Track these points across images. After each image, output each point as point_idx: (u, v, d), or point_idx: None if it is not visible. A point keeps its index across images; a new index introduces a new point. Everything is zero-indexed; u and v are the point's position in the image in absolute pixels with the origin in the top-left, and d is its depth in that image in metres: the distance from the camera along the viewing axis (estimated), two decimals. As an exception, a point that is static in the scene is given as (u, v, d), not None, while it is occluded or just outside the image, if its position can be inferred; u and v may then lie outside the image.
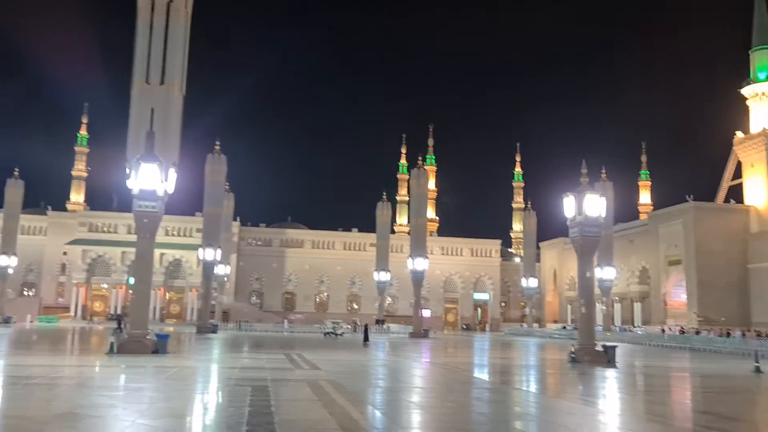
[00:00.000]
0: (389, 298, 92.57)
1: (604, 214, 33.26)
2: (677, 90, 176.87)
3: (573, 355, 31.20)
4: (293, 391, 17.72)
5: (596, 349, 31.61)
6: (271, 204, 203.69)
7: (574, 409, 16.55)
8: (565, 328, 77.57)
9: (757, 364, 28.12)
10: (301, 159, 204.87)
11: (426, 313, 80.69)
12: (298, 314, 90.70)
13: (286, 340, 48.00)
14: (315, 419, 13.04)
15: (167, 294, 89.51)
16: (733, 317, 66.56)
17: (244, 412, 12.95)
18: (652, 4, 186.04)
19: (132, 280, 76.20)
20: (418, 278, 64.40)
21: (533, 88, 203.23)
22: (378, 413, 14.45)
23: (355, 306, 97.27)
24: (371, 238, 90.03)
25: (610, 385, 23.52)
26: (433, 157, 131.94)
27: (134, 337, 29.65)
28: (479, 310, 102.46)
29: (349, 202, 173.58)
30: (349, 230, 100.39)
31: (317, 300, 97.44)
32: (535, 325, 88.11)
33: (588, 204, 32.43)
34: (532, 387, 22.64)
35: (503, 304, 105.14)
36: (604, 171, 61.29)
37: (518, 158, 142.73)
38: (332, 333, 56.32)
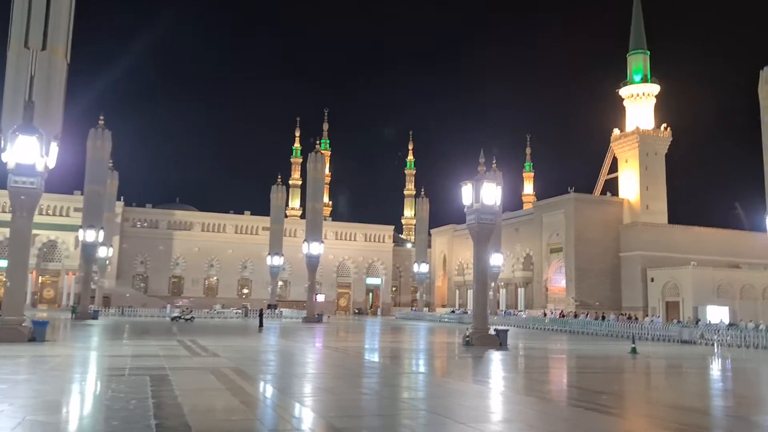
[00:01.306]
0: (281, 283, 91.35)
1: (499, 203, 34.52)
2: (563, 87, 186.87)
3: (467, 339, 32.25)
4: (197, 379, 16.93)
5: (489, 332, 32.88)
6: (158, 184, 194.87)
7: (472, 389, 17.18)
8: (454, 312, 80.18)
9: (633, 345, 30.41)
10: (192, 138, 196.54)
11: (320, 297, 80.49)
12: (185, 299, 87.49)
13: (172, 325, 46.04)
14: (228, 408, 12.50)
15: (40, 278, 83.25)
16: (607, 301, 71.71)
17: (148, 404, 12.16)
18: (541, 3, 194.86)
19: (2, 263, 70.12)
20: (313, 263, 63.99)
21: (427, 78, 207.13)
22: (290, 400, 14.10)
23: (246, 290, 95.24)
24: (264, 221, 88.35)
25: (503, 366, 24.57)
26: (328, 142, 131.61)
27: (8, 324, 27.23)
28: (371, 294, 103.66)
29: (241, 184, 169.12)
30: (241, 213, 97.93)
31: (206, 284, 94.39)
32: (425, 309, 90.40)
33: (485, 192, 33.48)
34: (432, 370, 23.12)
35: (394, 289, 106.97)
36: (495, 162, 63.46)
37: (411, 146, 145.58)
38: (179, 317, 53.75)
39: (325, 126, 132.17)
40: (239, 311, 67.90)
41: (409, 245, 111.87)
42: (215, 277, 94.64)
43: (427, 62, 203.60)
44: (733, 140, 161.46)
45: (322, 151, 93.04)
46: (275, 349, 29.76)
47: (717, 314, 60.06)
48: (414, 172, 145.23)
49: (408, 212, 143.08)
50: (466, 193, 33.79)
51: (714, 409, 15.58)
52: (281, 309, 72.96)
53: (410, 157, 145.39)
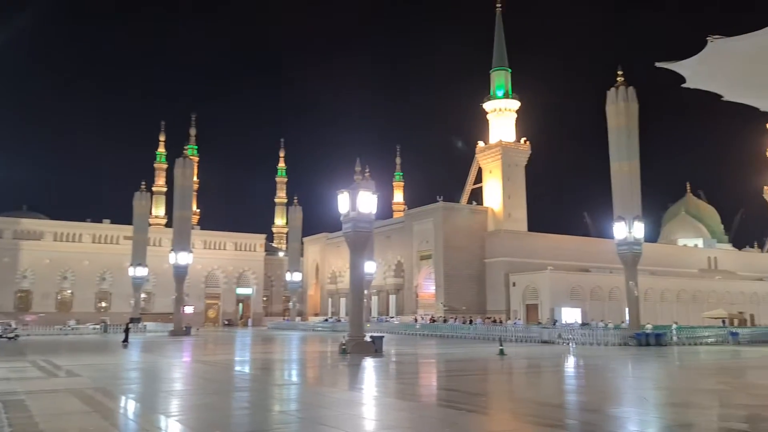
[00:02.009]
0: (145, 295, 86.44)
1: (375, 211, 34.99)
2: (433, 99, 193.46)
3: (344, 347, 32.32)
4: (59, 403, 15.47)
5: (365, 340, 33.17)
6: (2, 190, 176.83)
7: (349, 396, 17.37)
8: (327, 320, 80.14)
9: (501, 347, 32.00)
10: (44, 140, 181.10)
11: (188, 309, 77.13)
12: (33, 315, 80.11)
13: (16, 345, 41.93)
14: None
15: None
16: (473, 306, 74.97)
17: (4, 434, 10.99)
18: (414, 23, 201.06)
19: None
20: (180, 273, 61.28)
21: (300, 85, 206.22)
22: (161, 418, 13.33)
23: (105, 304, 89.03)
24: (126, 230, 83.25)
25: (380, 372, 24.97)
26: (196, 148, 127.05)
27: None
28: (242, 304, 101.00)
29: (101, 191, 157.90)
30: (100, 221, 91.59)
31: (59, 298, 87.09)
32: (298, 318, 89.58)
33: (361, 200, 33.85)
34: (308, 379, 22.93)
35: (265, 299, 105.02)
36: (368, 171, 64.26)
37: (282, 153, 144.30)
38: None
39: (193, 131, 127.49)
40: (98, 326, 63.42)
41: (281, 254, 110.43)
42: (69, 291, 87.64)
43: (298, 69, 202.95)
44: (586, 153, 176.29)
45: (190, 157, 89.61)
46: (142, 366, 28.07)
47: (571, 315, 64.84)
48: (285, 179, 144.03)
49: (279, 221, 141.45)
50: (343, 202, 33.95)
51: (576, 403, 16.81)
52: (145, 323, 69.04)
53: (281, 164, 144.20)
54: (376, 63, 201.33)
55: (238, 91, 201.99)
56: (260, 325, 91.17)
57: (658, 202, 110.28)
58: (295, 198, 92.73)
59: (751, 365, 29.86)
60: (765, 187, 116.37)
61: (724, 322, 59.58)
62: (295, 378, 23.45)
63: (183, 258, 61.12)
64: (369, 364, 27.42)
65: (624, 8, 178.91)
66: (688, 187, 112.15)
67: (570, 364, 29.17)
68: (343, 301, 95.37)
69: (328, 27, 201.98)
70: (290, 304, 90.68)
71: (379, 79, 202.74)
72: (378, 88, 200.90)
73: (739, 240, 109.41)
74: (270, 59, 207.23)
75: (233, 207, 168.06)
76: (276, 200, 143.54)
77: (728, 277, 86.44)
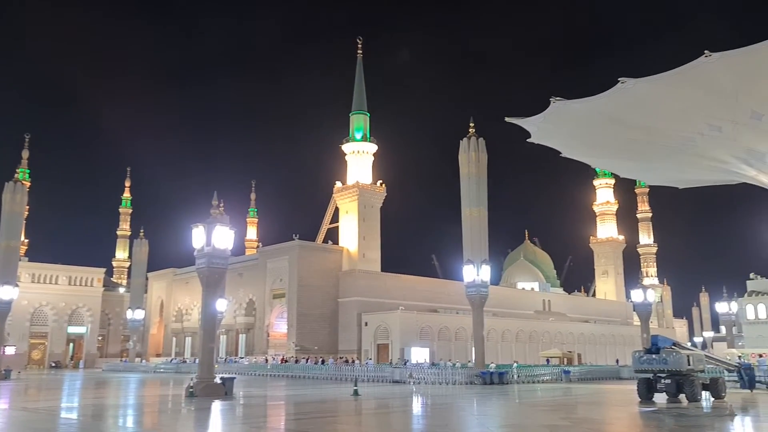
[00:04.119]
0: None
1: (231, 247, 33.80)
2: (294, 138, 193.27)
3: (191, 390, 30.49)
4: None
5: (215, 382, 31.55)
6: None
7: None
8: (171, 361, 75.54)
9: (355, 388, 31.80)
10: None
11: (9, 350, 68.90)
12: None
13: None
14: None
15: None
16: (325, 346, 74.32)
17: None
18: (279, 61, 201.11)
19: None
20: (2, 310, 54.73)
21: (148, 113, 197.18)
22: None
23: None
24: (-63, 259, 73.30)
25: (228, 416, 23.81)
26: (28, 172, 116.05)
27: None
28: (72, 345, 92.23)
29: None
30: None
31: None
32: (138, 359, 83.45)
33: (217, 236, 32.59)
34: (147, 427, 21.19)
35: (101, 338, 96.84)
36: (222, 205, 62.35)
37: (128, 183, 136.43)
38: None
39: (26, 153, 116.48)
40: None
41: (121, 290, 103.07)
42: None
43: (148, 95, 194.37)
44: (439, 198, 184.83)
45: (22, 182, 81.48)
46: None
47: (420, 354, 66.34)
48: (130, 211, 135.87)
49: (121, 254, 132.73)
50: (197, 236, 32.47)
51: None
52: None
53: (126, 194, 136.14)
54: (234, 95, 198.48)
55: (80, 115, 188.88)
56: (94, 367, 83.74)
57: (500, 247, 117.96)
58: (142, 231, 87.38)
59: (583, 401, 32.13)
60: (591, 237, 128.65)
61: (548, 360, 64.01)
62: (131, 425, 21.57)
63: (6, 292, 54.75)
64: (218, 407, 26.03)
65: (475, 65, 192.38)
66: (527, 234, 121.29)
67: (422, 403, 29.62)
68: (189, 340, 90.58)
69: (190, 55, 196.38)
70: (129, 344, 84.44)
71: (236, 113, 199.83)
72: (234, 122, 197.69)
73: (569, 284, 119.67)
74: (117, 84, 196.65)
75: (69, 238, 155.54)
76: (118, 232, 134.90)
77: (560, 319, 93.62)
